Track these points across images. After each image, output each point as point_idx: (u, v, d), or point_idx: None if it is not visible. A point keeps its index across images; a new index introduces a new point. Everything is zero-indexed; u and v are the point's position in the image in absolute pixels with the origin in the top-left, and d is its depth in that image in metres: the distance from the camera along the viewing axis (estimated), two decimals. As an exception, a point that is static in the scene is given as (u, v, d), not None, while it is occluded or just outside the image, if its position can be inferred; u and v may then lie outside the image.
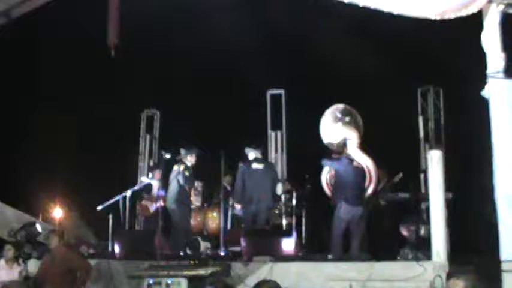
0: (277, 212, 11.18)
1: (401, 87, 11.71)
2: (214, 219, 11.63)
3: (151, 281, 8.12)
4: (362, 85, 11.78)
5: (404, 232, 9.22)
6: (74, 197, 14.65)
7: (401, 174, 10.55)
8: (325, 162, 10.01)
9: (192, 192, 11.29)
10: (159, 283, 8.08)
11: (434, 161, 8.51)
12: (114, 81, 12.57)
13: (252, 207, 10.50)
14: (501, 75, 7.90)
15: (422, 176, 11.45)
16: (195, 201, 11.57)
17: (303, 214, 11.15)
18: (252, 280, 8.73)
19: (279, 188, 11.79)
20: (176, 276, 8.04)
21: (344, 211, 9.54)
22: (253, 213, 10.60)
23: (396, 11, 7.34)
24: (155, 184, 11.66)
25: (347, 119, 10.24)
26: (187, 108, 12.67)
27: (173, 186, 11.03)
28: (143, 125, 13.41)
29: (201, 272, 8.08)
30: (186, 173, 10.84)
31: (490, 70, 7.88)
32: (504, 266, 7.88)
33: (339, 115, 10.38)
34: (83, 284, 8.91)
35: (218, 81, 12.69)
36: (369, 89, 11.68)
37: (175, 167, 10.98)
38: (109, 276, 9.52)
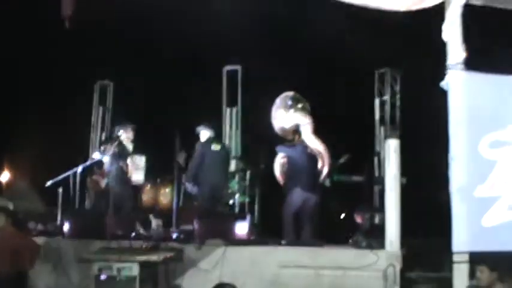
0: (229, 191, 11.09)
1: (359, 68, 11.61)
2: (166, 196, 11.45)
3: (101, 265, 7.93)
4: (321, 64, 11.63)
5: (358, 219, 9.22)
6: (24, 165, 14.27)
7: (347, 156, 10.38)
8: (280, 148, 9.88)
9: (131, 167, 10.93)
10: (110, 268, 7.87)
11: (392, 150, 8.47)
12: (68, 51, 12.16)
13: (206, 188, 10.31)
14: (461, 67, 7.89)
15: (376, 159, 11.47)
16: (136, 176, 11.17)
17: (256, 194, 11.12)
18: (205, 264, 8.68)
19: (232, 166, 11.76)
20: (128, 261, 7.86)
21: (296, 196, 9.45)
22: (208, 195, 10.45)
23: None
24: (106, 159, 11.36)
25: (299, 105, 10.11)
26: (142, 81, 12.34)
27: (110, 164, 10.80)
28: (96, 97, 13.04)
29: (153, 257, 7.90)
30: (116, 150, 10.62)
31: (450, 61, 7.82)
32: (455, 258, 7.97)
33: (289, 102, 10.24)
34: (30, 265, 8.69)
35: (174, 54, 12.36)
36: (327, 68, 11.53)
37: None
38: (58, 256, 9.29)
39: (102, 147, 11.60)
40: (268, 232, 10.00)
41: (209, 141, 10.51)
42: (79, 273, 8.95)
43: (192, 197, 10.99)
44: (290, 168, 9.77)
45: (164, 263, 8.09)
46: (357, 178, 10.55)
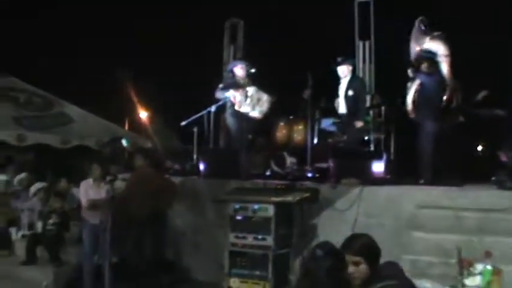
0: (365, 126, 10.78)
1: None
2: (300, 132, 11.29)
3: (237, 206, 7.98)
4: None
5: (503, 157, 8.66)
6: (159, 102, 14.68)
7: (485, 92, 9.69)
8: (415, 74, 9.36)
9: (239, 97, 10.57)
10: (245, 208, 7.91)
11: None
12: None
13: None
14: None
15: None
16: (246, 107, 10.62)
17: (392, 131, 10.77)
18: (341, 204, 8.56)
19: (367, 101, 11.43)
20: (263, 202, 7.87)
21: (431, 128, 9.04)
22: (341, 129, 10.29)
23: None
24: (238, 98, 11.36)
25: (435, 33, 9.49)
26: (272, 18, 12.12)
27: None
28: (227, 35, 12.98)
29: (289, 198, 7.85)
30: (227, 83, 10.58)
31: None
32: None
33: (423, 27, 9.66)
34: (168, 205, 8.95)
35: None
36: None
37: None
38: (194, 196, 9.51)
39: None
40: (404, 170, 9.61)
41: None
42: (215, 213, 9.16)
43: (326, 134, 10.81)
44: (423, 97, 9.29)
45: (299, 204, 8.03)
46: (499, 112, 9.86)
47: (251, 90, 10.35)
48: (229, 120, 10.50)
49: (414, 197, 8.26)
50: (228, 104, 10.59)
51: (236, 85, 10.37)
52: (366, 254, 4.43)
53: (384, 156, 9.11)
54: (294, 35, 11.76)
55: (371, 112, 10.80)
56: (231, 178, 9.27)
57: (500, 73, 10.67)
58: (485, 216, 7.73)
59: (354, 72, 10.62)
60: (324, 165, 9.69)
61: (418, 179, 8.86)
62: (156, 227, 8.76)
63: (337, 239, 8.50)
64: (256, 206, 7.85)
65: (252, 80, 10.49)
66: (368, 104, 11.73)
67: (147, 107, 16.59)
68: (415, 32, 9.70)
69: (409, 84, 9.48)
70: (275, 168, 10.56)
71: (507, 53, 10.89)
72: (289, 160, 10.83)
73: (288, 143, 11.27)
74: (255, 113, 10.41)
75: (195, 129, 11.01)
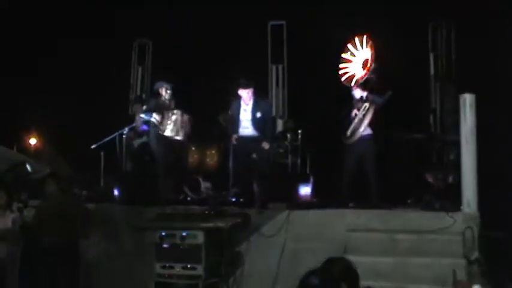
0: (282, 151, 10.48)
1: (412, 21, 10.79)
2: (212, 157, 10.85)
3: (163, 233, 7.39)
4: (371, 18, 10.81)
5: (430, 179, 8.58)
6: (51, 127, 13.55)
7: (389, 93, 9.48)
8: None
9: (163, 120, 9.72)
10: (172, 236, 7.34)
11: (468, 105, 7.85)
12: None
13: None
14: None
15: (431, 116, 10.74)
16: (169, 131, 9.75)
17: (308, 155, 10.53)
18: (268, 229, 8.13)
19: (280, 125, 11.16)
20: (191, 228, 7.31)
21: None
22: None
23: None
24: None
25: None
26: (182, 39, 11.59)
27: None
28: (134, 56, 12.35)
29: (220, 224, 7.35)
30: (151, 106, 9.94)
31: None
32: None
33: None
34: (84, 233, 8.19)
35: (215, 10, 11.60)
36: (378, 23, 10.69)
37: None
38: (109, 223, 8.78)
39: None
40: (328, 194, 9.34)
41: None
42: (132, 241, 8.47)
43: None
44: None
45: (230, 230, 7.54)
46: (417, 135, 9.85)
47: (175, 114, 9.71)
48: (152, 143, 9.81)
49: (345, 220, 7.99)
50: (152, 127, 9.90)
51: (160, 107, 9.72)
52: (345, 279, 4.02)
53: (311, 179, 8.78)
54: (207, 57, 11.28)
55: (288, 136, 10.48)
56: (150, 204, 8.65)
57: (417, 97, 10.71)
58: (418, 238, 7.59)
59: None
60: (242, 190, 9.24)
61: (346, 202, 8.59)
62: (68, 258, 7.96)
63: (265, 267, 8.24)
64: (184, 233, 7.29)
65: (176, 101, 9.88)
66: (281, 128, 11.52)
67: (38, 133, 15.40)
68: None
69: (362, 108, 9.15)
70: (189, 193, 9.99)
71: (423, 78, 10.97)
72: (204, 185, 10.31)
73: (200, 167, 10.76)
74: (179, 137, 9.74)
75: (102, 153, 10.31)
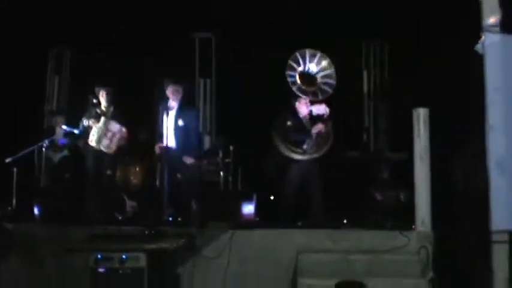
0: (212, 168, 9.71)
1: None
2: (137, 174, 9.91)
3: (99, 256, 6.41)
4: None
5: (379, 197, 8.09)
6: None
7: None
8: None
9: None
10: (110, 259, 6.36)
11: (422, 120, 7.42)
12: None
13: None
14: (497, 29, 7.07)
15: (365, 135, 10.36)
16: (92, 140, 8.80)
17: (240, 172, 9.85)
18: (210, 251, 7.34)
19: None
20: (132, 250, 6.38)
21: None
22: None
23: None
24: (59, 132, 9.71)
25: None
26: (103, 48, 10.64)
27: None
28: (51, 65, 11.22)
29: (164, 244, 6.45)
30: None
31: (485, 23, 6.95)
32: (495, 237, 7.07)
33: None
34: (4, 257, 7.09)
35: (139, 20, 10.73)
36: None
37: None
38: (29, 245, 7.66)
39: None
40: (266, 213, 8.64)
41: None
42: (58, 266, 7.42)
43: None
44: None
45: (175, 252, 6.66)
46: (352, 153, 9.42)
47: (101, 121, 8.72)
48: (79, 156, 8.78)
49: (294, 241, 7.32)
50: (74, 139, 8.90)
51: (96, 115, 8.75)
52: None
53: (254, 197, 8.06)
54: (132, 68, 10.37)
55: (219, 152, 9.71)
56: (76, 224, 7.65)
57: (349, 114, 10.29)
58: (374, 258, 7.04)
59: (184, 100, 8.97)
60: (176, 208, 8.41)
61: (293, 221, 7.93)
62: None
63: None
64: (124, 256, 6.34)
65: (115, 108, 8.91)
66: (208, 145, 10.80)
67: None
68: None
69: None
70: (116, 213, 9.03)
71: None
72: (129, 204, 9.39)
73: (124, 186, 9.80)
74: (103, 148, 8.75)
75: (15, 169, 9.17)
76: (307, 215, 8.18)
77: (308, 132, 8.38)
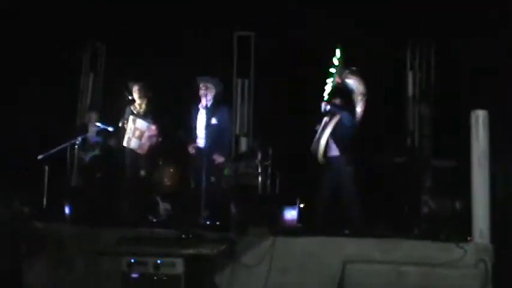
0: (251, 170, 9.10)
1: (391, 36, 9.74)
2: (171, 176, 9.36)
3: (132, 260, 5.87)
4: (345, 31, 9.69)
5: (433, 205, 7.43)
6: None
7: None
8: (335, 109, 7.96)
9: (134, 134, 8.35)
10: (144, 263, 5.83)
11: (480, 123, 6.76)
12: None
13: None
14: None
15: (409, 139, 9.67)
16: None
17: (277, 175, 9.23)
18: (248, 259, 6.73)
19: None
20: (168, 254, 5.82)
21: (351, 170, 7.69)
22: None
23: None
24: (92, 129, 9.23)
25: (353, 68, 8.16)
26: (140, 46, 10.15)
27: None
28: (86, 61, 10.74)
29: (204, 250, 5.87)
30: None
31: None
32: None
33: None
34: (29, 257, 6.59)
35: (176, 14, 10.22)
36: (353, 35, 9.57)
37: None
38: (58, 246, 7.14)
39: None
40: (307, 219, 8.01)
41: None
42: (88, 269, 6.90)
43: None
44: (340, 137, 7.87)
45: (212, 258, 6.08)
46: (398, 159, 8.79)
47: (131, 119, 8.25)
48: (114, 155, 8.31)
49: (340, 250, 6.68)
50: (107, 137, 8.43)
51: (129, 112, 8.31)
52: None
53: (298, 202, 7.44)
54: (168, 66, 9.85)
55: (259, 155, 9.10)
56: (108, 225, 7.12)
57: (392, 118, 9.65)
58: (426, 271, 6.37)
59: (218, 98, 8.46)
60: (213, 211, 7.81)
61: (338, 229, 7.30)
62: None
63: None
64: (159, 261, 5.80)
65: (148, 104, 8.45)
66: (245, 147, 10.22)
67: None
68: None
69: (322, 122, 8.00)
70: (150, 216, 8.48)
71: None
72: (163, 206, 8.85)
73: (158, 187, 9.25)
74: (134, 148, 8.27)
75: (46, 167, 8.69)
76: (350, 224, 7.54)
77: None
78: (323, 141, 7.74)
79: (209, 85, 8.24)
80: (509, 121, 7.79)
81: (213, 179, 8.19)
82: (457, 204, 7.21)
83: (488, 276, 6.37)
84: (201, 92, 8.17)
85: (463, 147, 7.49)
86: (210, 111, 8.11)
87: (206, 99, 8.09)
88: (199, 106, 8.19)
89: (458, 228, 6.89)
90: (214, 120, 8.14)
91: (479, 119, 6.74)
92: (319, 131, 7.92)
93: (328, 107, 7.77)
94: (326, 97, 7.86)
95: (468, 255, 6.44)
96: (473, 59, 9.17)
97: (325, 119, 7.95)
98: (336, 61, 7.86)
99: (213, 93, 8.25)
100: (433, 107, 9.82)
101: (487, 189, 6.63)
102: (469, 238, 6.65)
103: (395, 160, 8.89)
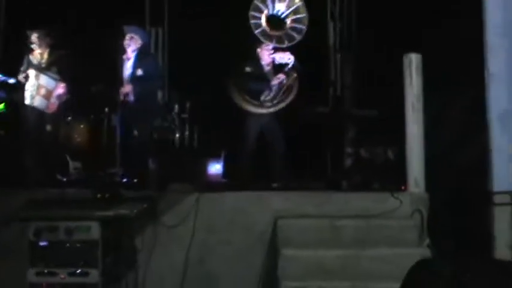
0: (167, 124, 8.34)
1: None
2: (81, 133, 8.49)
3: (40, 226, 5.06)
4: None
5: (365, 154, 6.94)
6: None
7: None
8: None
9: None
10: (55, 229, 5.03)
11: (414, 66, 6.29)
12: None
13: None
14: None
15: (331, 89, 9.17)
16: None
17: (196, 129, 8.53)
18: (170, 218, 6.06)
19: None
20: (83, 218, 5.05)
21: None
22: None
23: None
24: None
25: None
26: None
27: None
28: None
29: (123, 211, 5.13)
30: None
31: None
32: (497, 199, 6.13)
33: None
34: None
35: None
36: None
37: None
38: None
39: None
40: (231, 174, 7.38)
41: None
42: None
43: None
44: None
45: (131, 219, 5.34)
46: (322, 109, 8.28)
47: (33, 74, 7.25)
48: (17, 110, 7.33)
49: (270, 205, 6.11)
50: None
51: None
52: None
53: (223, 155, 6.78)
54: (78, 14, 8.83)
55: (176, 107, 8.34)
56: (13, 187, 6.23)
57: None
58: (365, 223, 5.91)
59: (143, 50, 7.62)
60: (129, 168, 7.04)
61: (266, 183, 6.72)
62: None
63: (169, 264, 6.21)
64: (72, 225, 5.02)
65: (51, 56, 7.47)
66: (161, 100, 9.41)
67: None
68: None
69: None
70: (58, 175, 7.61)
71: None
72: (73, 165, 7.99)
73: (67, 145, 8.35)
74: (40, 107, 7.31)
75: None
76: (277, 177, 6.99)
77: (268, 83, 7.23)
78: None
79: (134, 35, 7.43)
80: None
81: (135, 132, 7.43)
82: (389, 153, 6.77)
83: (424, 225, 6.01)
84: (125, 42, 7.34)
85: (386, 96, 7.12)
86: (135, 63, 7.32)
87: (130, 50, 7.30)
88: (124, 57, 7.35)
89: (392, 177, 6.47)
90: (140, 72, 7.35)
91: (413, 62, 6.28)
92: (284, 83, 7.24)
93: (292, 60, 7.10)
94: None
95: (404, 205, 6.04)
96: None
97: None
98: None
99: (138, 45, 7.44)
100: (354, 56, 9.34)
101: (421, 135, 6.23)
102: (403, 187, 6.26)
103: (320, 110, 8.37)
